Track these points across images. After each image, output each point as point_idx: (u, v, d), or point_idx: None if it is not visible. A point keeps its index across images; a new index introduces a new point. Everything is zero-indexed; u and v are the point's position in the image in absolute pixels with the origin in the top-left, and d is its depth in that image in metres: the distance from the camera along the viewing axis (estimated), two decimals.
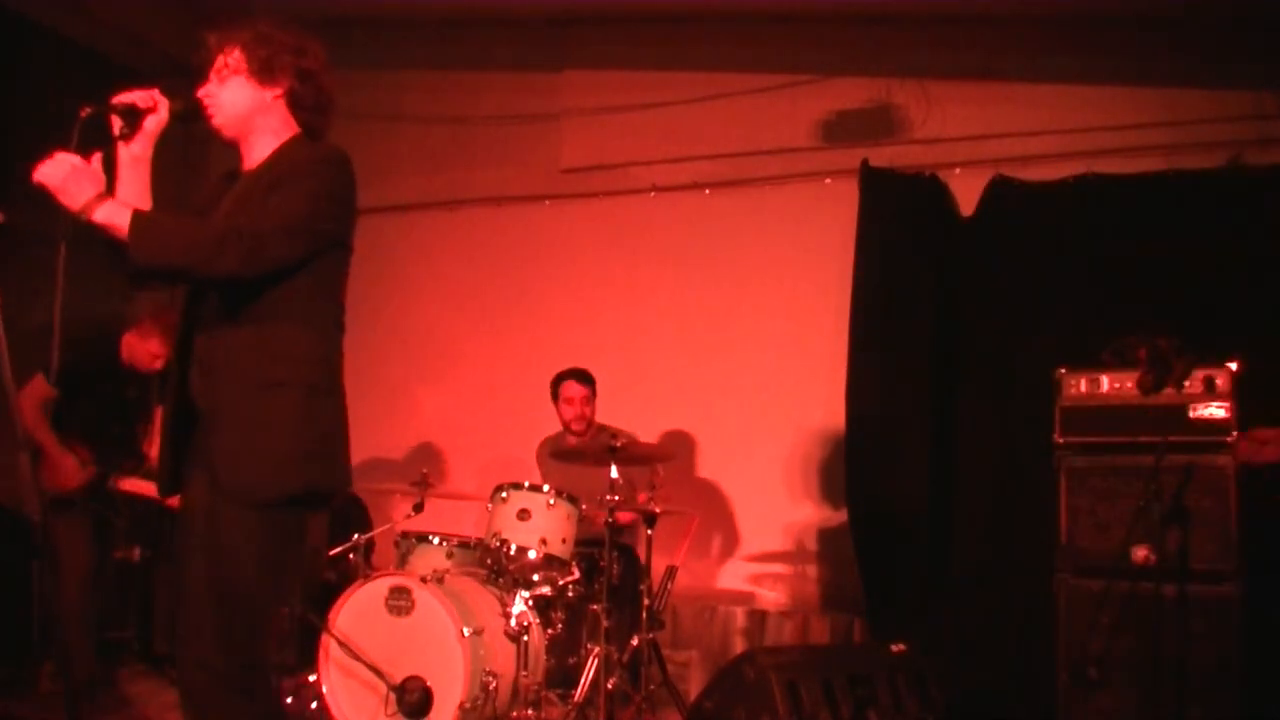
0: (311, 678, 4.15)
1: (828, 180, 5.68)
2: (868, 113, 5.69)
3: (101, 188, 2.29)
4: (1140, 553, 3.91)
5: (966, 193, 5.30)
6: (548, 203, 6.27)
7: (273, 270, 2.35)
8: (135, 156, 2.49)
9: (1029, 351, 4.92)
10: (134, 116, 2.46)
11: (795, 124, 5.81)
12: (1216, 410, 4.01)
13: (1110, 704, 4.00)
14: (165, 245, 2.29)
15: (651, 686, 4.35)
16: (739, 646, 5.42)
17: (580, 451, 4.80)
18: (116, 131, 2.47)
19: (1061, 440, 4.30)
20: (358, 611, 4.01)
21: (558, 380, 5.23)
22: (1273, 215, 4.66)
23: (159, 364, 4.62)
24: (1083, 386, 4.29)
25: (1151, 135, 5.08)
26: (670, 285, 6.03)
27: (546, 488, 4.41)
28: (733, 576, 5.80)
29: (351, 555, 4.43)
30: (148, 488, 4.51)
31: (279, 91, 2.51)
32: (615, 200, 6.13)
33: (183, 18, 6.43)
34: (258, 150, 2.51)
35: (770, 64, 5.84)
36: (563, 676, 4.41)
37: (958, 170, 5.39)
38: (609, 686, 4.19)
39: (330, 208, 2.44)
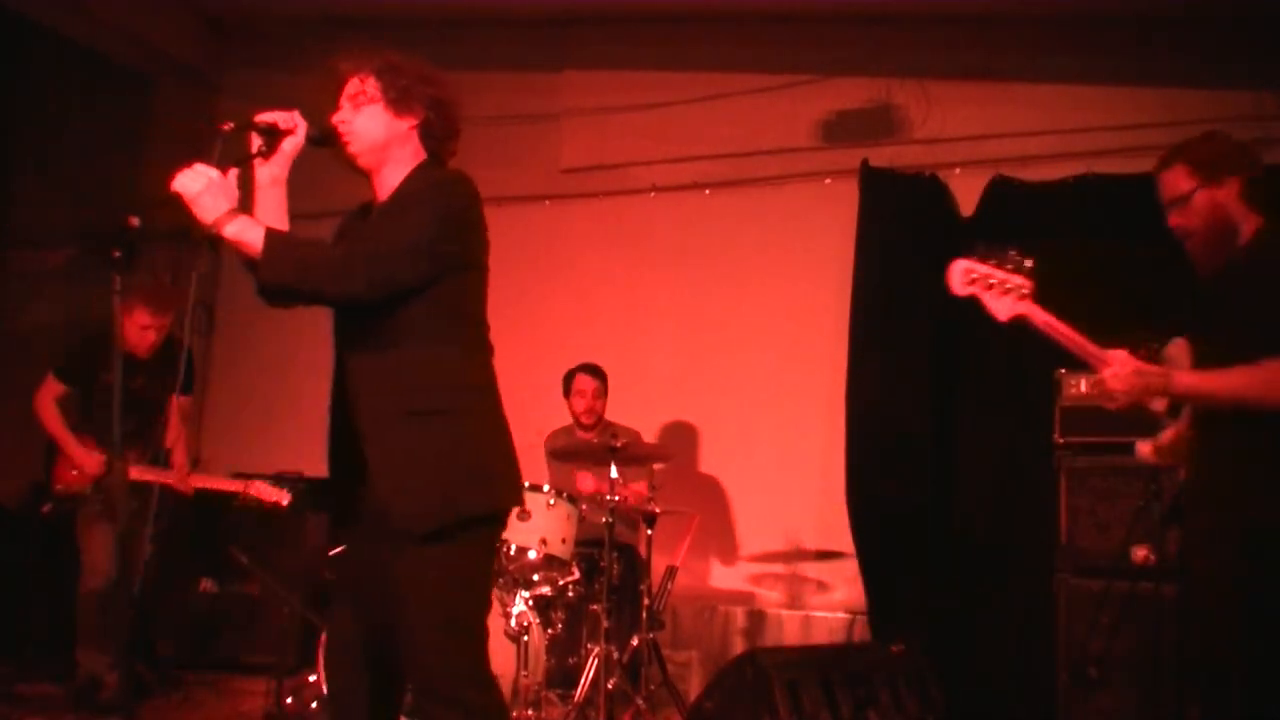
0: (311, 678, 4.15)
1: (828, 180, 5.68)
2: (868, 113, 5.69)
3: (235, 203, 2.30)
4: (1140, 553, 3.91)
5: (966, 193, 5.30)
6: (548, 203, 6.27)
7: (396, 292, 2.36)
8: (274, 178, 2.50)
9: (1029, 351, 4.91)
10: (273, 136, 2.47)
11: (795, 124, 5.82)
12: None
13: (1110, 704, 4.01)
14: (293, 264, 2.31)
15: (651, 686, 4.35)
16: (739, 646, 5.42)
17: (580, 451, 4.80)
18: (254, 149, 2.47)
19: (1061, 440, 4.30)
20: None
21: (570, 374, 5.25)
22: (1273, 215, 4.65)
23: (150, 335, 4.59)
24: (1083, 386, 4.29)
25: (1151, 135, 5.06)
26: (670, 285, 6.03)
27: (547, 487, 4.41)
28: (733, 576, 5.80)
29: None
30: (162, 475, 4.51)
31: (414, 122, 2.54)
32: (615, 200, 6.13)
33: (183, 18, 6.45)
34: (388, 180, 2.52)
35: (770, 64, 5.84)
36: (563, 676, 4.41)
37: (958, 170, 5.39)
38: (609, 686, 4.19)
39: (451, 230, 2.45)
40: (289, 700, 4.20)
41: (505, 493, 2.54)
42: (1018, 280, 3.05)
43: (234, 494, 4.45)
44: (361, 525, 2.50)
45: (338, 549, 4.43)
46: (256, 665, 4.98)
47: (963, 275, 3.10)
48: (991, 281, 3.06)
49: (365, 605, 2.48)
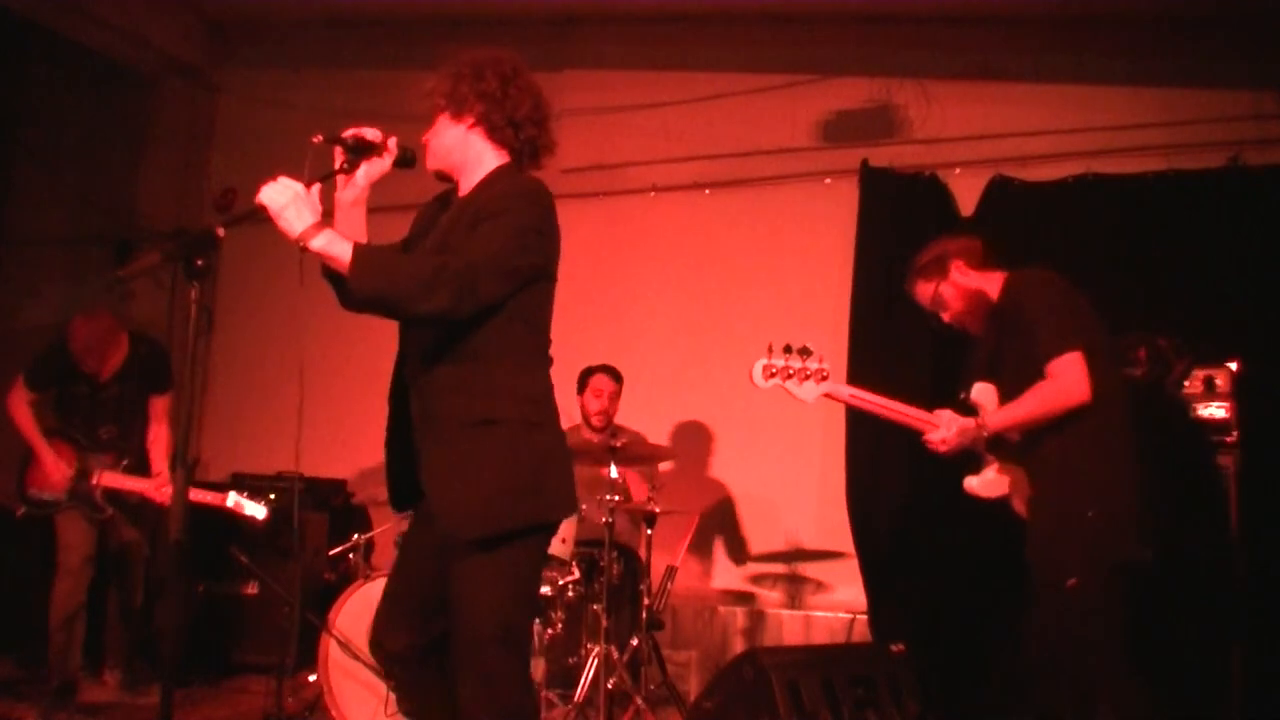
0: (311, 678, 4.15)
1: (828, 180, 5.68)
2: (868, 113, 5.69)
3: (319, 217, 2.31)
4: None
5: (966, 193, 5.31)
6: None
7: (482, 308, 2.40)
8: (355, 199, 2.53)
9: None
10: (359, 152, 2.48)
11: (795, 124, 5.82)
12: (1216, 410, 4.01)
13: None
14: (382, 278, 2.32)
15: (651, 686, 4.36)
16: (739, 646, 5.42)
17: (580, 451, 4.79)
18: (338, 165, 2.48)
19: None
20: (358, 611, 4.00)
21: (587, 373, 5.22)
22: (1273, 215, 4.66)
23: (105, 375, 4.58)
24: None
25: (1151, 135, 5.08)
26: (670, 285, 6.03)
27: None
28: (733, 576, 5.80)
29: (351, 555, 4.44)
30: (137, 484, 4.50)
31: (471, 121, 2.55)
32: (615, 200, 6.13)
33: (183, 18, 6.44)
34: (467, 180, 2.58)
35: (770, 64, 5.84)
36: (563, 676, 4.41)
37: (957, 170, 5.39)
38: (609, 686, 4.19)
39: (534, 241, 2.46)
40: (289, 700, 4.21)
41: (557, 503, 2.53)
42: (815, 366, 3.57)
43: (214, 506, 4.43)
44: (425, 511, 2.57)
45: (340, 548, 4.47)
46: (256, 665, 4.98)
47: (763, 372, 3.64)
48: (790, 371, 3.57)
49: (421, 581, 2.58)
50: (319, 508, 5.39)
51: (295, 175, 2.33)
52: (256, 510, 4.37)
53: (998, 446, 3.38)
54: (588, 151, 6.18)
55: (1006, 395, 3.29)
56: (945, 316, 3.51)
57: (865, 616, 5.28)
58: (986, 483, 3.49)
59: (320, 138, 2.43)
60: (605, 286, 6.13)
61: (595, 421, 5.12)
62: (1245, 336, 4.31)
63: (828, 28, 5.75)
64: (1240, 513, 3.92)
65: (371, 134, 2.50)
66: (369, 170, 2.51)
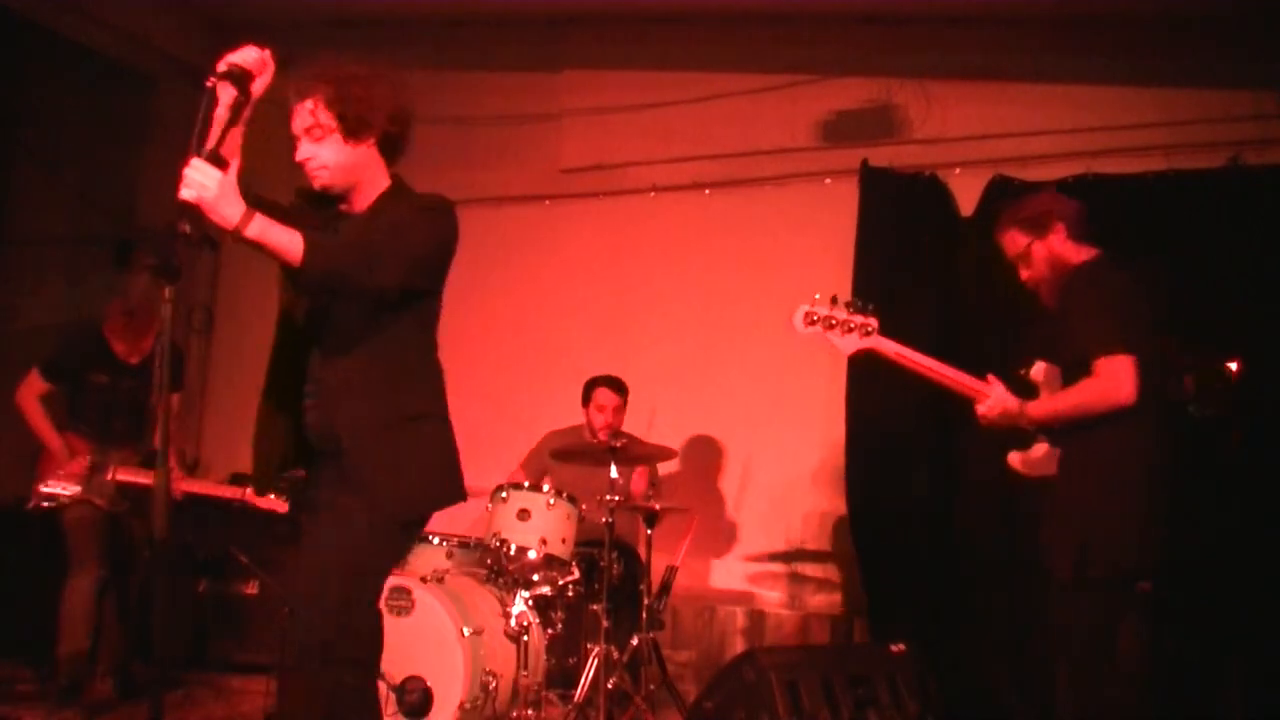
0: None
1: (828, 180, 5.68)
2: (868, 113, 5.69)
3: (243, 202, 2.27)
4: None
5: (966, 193, 5.30)
6: (548, 203, 6.27)
7: (409, 291, 2.56)
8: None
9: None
10: (245, 81, 2.37)
11: (795, 124, 5.81)
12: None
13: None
14: (331, 257, 2.38)
15: (651, 686, 4.36)
16: (739, 646, 5.42)
17: (580, 451, 4.79)
18: (232, 103, 2.35)
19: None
20: None
21: (591, 385, 5.19)
22: (1273, 215, 4.65)
23: (135, 359, 4.61)
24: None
25: (1151, 135, 5.08)
26: (670, 285, 6.02)
27: (546, 488, 4.41)
28: (733, 576, 5.80)
29: None
30: (150, 477, 4.49)
31: (373, 140, 2.58)
32: (615, 200, 6.13)
33: (183, 18, 6.44)
34: (361, 196, 2.62)
35: (770, 64, 5.84)
36: (563, 676, 4.41)
37: (957, 170, 5.39)
38: (609, 686, 4.19)
39: (445, 255, 2.69)
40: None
41: (459, 491, 2.77)
42: (860, 319, 3.48)
43: (231, 500, 4.43)
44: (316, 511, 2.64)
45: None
46: (256, 665, 4.98)
47: (803, 318, 3.50)
48: (833, 321, 3.47)
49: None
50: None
51: (203, 132, 2.26)
52: (277, 504, 4.38)
53: (1049, 431, 3.30)
54: (588, 151, 6.18)
55: (1065, 376, 3.23)
56: (1025, 274, 3.42)
57: (865, 616, 5.29)
58: (1032, 461, 3.39)
59: (213, 81, 2.32)
60: (605, 286, 6.13)
61: (601, 435, 5.06)
62: (1245, 336, 4.31)
63: (828, 28, 5.74)
64: (1240, 513, 3.92)
65: (249, 61, 2.37)
66: (256, 92, 2.42)
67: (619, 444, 4.43)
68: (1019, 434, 3.39)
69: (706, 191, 5.97)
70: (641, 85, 6.04)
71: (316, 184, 2.55)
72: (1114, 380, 3.02)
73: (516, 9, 6.16)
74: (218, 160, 2.26)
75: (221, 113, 2.32)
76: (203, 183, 2.21)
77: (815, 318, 3.46)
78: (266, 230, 2.29)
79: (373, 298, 2.51)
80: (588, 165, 6.17)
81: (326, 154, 2.53)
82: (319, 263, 2.34)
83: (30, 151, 6.77)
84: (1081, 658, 3.04)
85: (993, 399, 3.29)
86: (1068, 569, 3.03)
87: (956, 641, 4.90)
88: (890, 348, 3.47)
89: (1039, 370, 3.37)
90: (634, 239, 6.11)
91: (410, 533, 2.76)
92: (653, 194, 6.04)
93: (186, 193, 2.20)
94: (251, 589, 5.29)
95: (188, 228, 2.18)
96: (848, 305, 3.47)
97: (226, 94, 2.34)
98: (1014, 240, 3.41)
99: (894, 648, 4.35)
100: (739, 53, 5.91)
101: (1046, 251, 3.33)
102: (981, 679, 4.82)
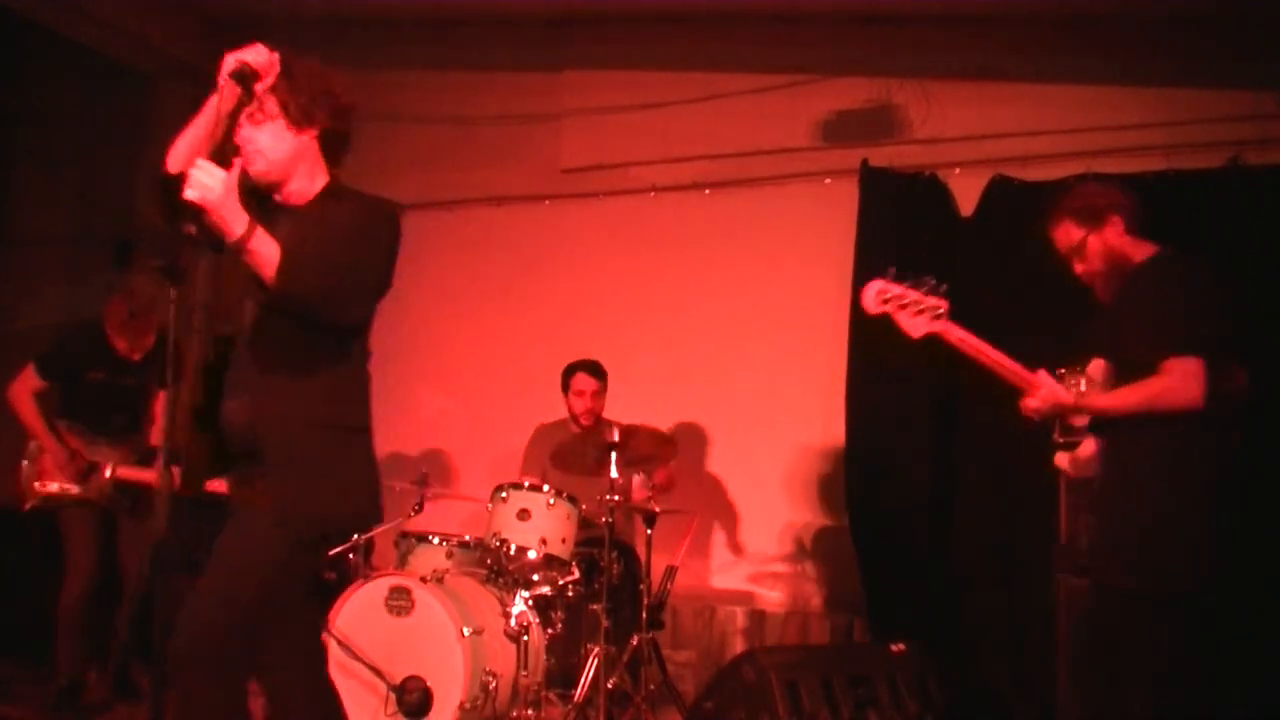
0: None
1: (828, 180, 5.68)
2: (868, 113, 5.69)
3: (244, 210, 2.26)
4: None
5: (966, 193, 5.30)
6: (548, 203, 6.27)
7: (364, 321, 2.54)
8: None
9: (1029, 351, 4.90)
10: (251, 81, 2.36)
11: (795, 124, 5.81)
12: None
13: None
14: (307, 284, 2.33)
15: (651, 686, 4.36)
16: (739, 646, 5.42)
17: (580, 456, 4.77)
18: (235, 102, 2.35)
19: (1061, 440, 4.30)
20: (358, 611, 4.01)
21: (569, 371, 5.22)
22: (1273, 215, 4.65)
23: (137, 355, 4.61)
24: (1082, 386, 4.28)
25: (1151, 135, 5.08)
26: (670, 285, 6.02)
27: (546, 488, 4.41)
28: (733, 576, 5.80)
29: (351, 555, 4.41)
30: (147, 475, 4.49)
31: (315, 133, 2.53)
32: (615, 200, 6.13)
33: (183, 17, 6.44)
34: (296, 189, 2.55)
35: (770, 64, 5.84)
36: (563, 676, 4.41)
37: (958, 170, 5.39)
38: (609, 686, 4.19)
39: (392, 265, 2.58)
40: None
41: (379, 510, 2.69)
42: (932, 301, 3.38)
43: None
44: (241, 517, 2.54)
45: (340, 548, 4.46)
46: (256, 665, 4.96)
47: (876, 295, 3.46)
48: (905, 302, 3.40)
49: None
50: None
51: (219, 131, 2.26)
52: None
53: (1102, 427, 3.21)
54: (588, 151, 6.18)
55: (1121, 374, 3.12)
56: (1079, 268, 3.29)
57: (865, 616, 5.29)
58: (1081, 461, 3.30)
59: (224, 80, 2.34)
60: (605, 286, 6.13)
61: (583, 420, 5.11)
62: (1245, 336, 4.30)
63: (828, 28, 5.74)
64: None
65: (256, 57, 2.38)
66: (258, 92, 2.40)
67: (617, 437, 4.42)
68: (1064, 434, 3.35)
69: (707, 191, 5.97)
70: (641, 85, 6.04)
71: (252, 169, 2.46)
72: (1183, 381, 2.91)
73: (516, 9, 6.16)
74: (224, 160, 2.24)
75: (225, 111, 2.32)
76: (208, 184, 2.18)
77: (888, 296, 3.40)
78: (261, 243, 2.26)
79: (336, 329, 2.48)
80: (588, 165, 6.17)
81: (266, 139, 2.47)
82: (293, 287, 2.30)
83: (30, 151, 6.78)
84: (1139, 667, 2.92)
85: (1044, 390, 3.20)
86: (1130, 578, 2.92)
87: (956, 641, 4.90)
88: (956, 334, 3.37)
89: (1096, 368, 3.28)
90: (634, 239, 6.11)
91: (316, 551, 2.55)
92: (653, 194, 6.04)
93: (191, 193, 2.18)
94: None
95: (193, 229, 2.15)
96: (920, 284, 3.39)
97: (231, 93, 2.35)
98: (1068, 232, 3.26)
99: (894, 648, 4.35)
100: (739, 53, 5.91)
101: (1103, 245, 3.19)
102: (981, 679, 4.82)
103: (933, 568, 5.11)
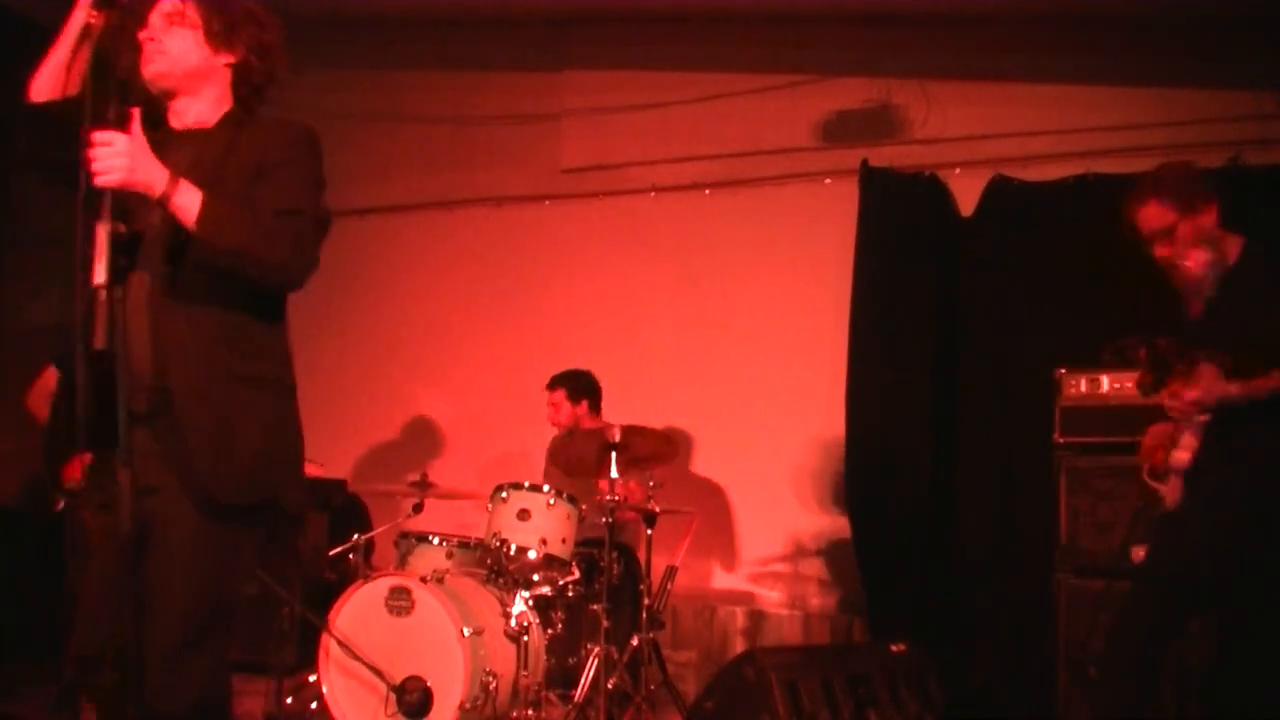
0: (311, 678, 4.16)
1: (828, 180, 5.68)
2: (868, 113, 5.69)
3: (162, 164, 2.04)
4: (1140, 553, 3.90)
5: (966, 193, 5.31)
6: (548, 203, 6.27)
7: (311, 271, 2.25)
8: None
9: (1029, 351, 4.92)
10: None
11: (795, 124, 5.81)
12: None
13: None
14: (237, 236, 2.12)
15: (651, 686, 4.35)
16: (739, 646, 5.42)
17: (579, 459, 4.78)
18: (99, 23, 2.14)
19: (1061, 440, 4.30)
20: (358, 611, 4.01)
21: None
22: (1273, 215, 4.65)
23: None
24: (1083, 386, 4.29)
25: (1151, 135, 5.08)
26: (670, 285, 6.03)
27: (546, 488, 4.41)
28: (733, 576, 5.80)
29: (351, 555, 4.44)
30: None
31: (231, 60, 2.33)
32: (615, 200, 6.13)
33: None
34: (188, 111, 2.32)
35: (770, 64, 5.84)
36: (563, 676, 4.41)
37: (958, 170, 5.39)
38: (609, 686, 4.19)
39: (322, 196, 2.34)
40: (289, 700, 4.21)
41: (302, 483, 2.41)
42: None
43: None
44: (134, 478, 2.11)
45: (340, 548, 4.47)
46: (256, 665, 4.98)
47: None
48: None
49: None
50: (319, 507, 5.38)
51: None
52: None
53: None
54: (588, 151, 6.19)
55: (1237, 365, 2.98)
56: (1164, 251, 3.12)
57: (865, 616, 5.29)
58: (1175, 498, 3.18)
59: (92, 17, 2.14)
60: (605, 286, 6.13)
61: (559, 431, 5.27)
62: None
63: (828, 28, 5.74)
64: None
65: None
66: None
67: (616, 439, 4.42)
68: (1154, 477, 3.22)
69: (707, 191, 5.97)
70: (642, 85, 6.04)
71: (149, 68, 2.24)
72: None
73: (516, 9, 6.16)
74: (124, 106, 2.03)
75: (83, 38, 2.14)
76: (116, 161, 1.99)
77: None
78: (183, 195, 2.06)
79: (270, 282, 2.23)
80: (588, 165, 6.17)
81: (176, 43, 2.26)
82: (218, 241, 2.09)
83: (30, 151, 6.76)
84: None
85: (1205, 380, 3.02)
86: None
87: (956, 641, 4.90)
88: None
89: (1211, 356, 3.10)
90: (634, 239, 6.12)
91: (254, 522, 2.26)
92: (653, 194, 6.05)
93: (105, 179, 1.99)
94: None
95: (122, 228, 1.98)
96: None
97: (91, 10, 2.15)
98: (1158, 214, 3.08)
99: (894, 648, 4.35)
100: (739, 53, 5.91)
101: (1196, 231, 3.04)
102: (981, 679, 4.82)
103: (933, 568, 5.11)
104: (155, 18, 2.27)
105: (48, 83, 2.24)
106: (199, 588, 2.16)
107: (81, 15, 2.16)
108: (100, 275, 1.89)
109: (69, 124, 2.06)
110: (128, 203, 2.07)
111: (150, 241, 2.17)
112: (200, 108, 2.33)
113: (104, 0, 2.15)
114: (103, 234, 1.93)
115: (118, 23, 2.16)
